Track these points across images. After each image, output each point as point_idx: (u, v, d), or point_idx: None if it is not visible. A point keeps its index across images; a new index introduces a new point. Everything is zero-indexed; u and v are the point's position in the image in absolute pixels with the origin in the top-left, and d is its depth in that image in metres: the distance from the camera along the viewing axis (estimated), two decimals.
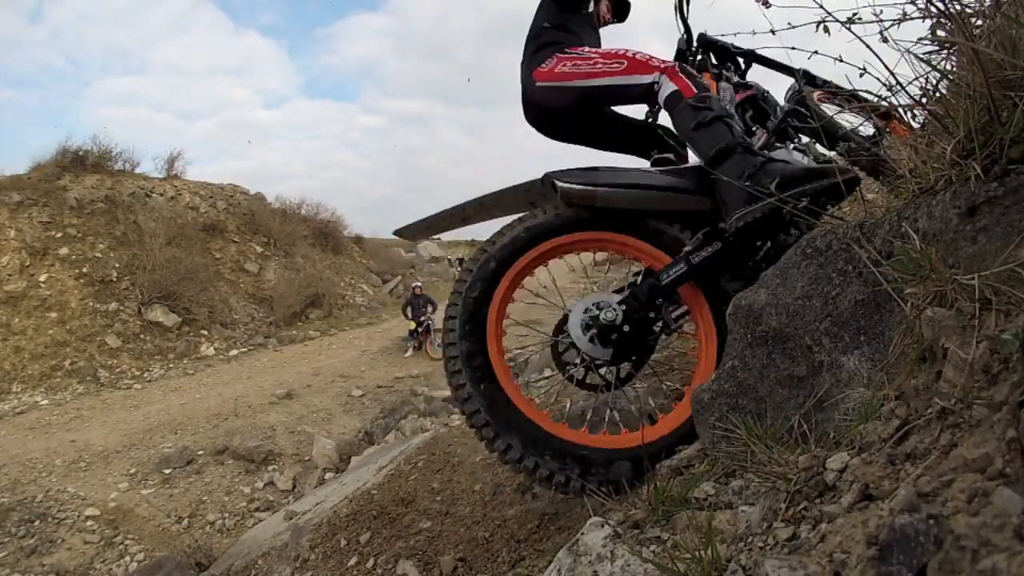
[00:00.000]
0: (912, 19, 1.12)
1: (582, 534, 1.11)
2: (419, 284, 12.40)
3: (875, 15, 1.12)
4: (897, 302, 1.04)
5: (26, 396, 8.42)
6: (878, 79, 1.15)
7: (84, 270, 10.76)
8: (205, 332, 11.15)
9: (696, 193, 1.71)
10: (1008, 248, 0.84)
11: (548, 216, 1.77)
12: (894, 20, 1.12)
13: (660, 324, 1.75)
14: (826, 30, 1.18)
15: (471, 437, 3.85)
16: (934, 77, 1.13)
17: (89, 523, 5.16)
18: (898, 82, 1.14)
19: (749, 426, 1.22)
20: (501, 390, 1.67)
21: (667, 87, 1.81)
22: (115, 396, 8.58)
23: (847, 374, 1.16)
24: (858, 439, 0.90)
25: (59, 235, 11.04)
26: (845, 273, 1.19)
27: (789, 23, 1.20)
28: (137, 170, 13.77)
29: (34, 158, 12.64)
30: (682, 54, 2.29)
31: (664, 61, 1.91)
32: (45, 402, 8.28)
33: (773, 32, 1.24)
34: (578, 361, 1.76)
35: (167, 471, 6.05)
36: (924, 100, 1.14)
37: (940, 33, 1.12)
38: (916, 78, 1.15)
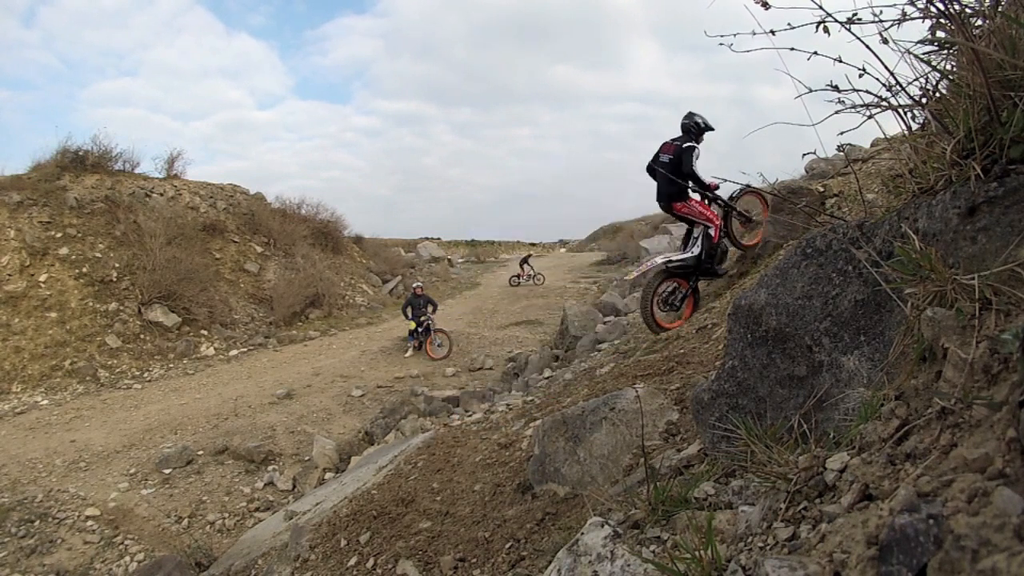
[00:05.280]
0: (912, 19, 1.12)
1: (582, 534, 1.11)
2: (419, 284, 12.38)
3: (875, 15, 1.12)
4: (897, 302, 1.04)
5: (26, 396, 8.42)
6: (878, 79, 1.15)
7: (84, 270, 10.76)
8: (205, 332, 11.15)
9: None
10: (1008, 248, 0.84)
11: None
12: (894, 20, 1.12)
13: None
14: (826, 30, 1.18)
15: (471, 437, 3.85)
16: (934, 77, 1.13)
17: (89, 523, 5.17)
18: (898, 82, 1.14)
19: (749, 426, 1.22)
20: None
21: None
22: (115, 396, 8.58)
23: (847, 374, 1.16)
24: (858, 439, 0.89)
25: (59, 235, 11.03)
26: (845, 273, 1.19)
27: (789, 24, 1.20)
28: (137, 170, 13.76)
29: (34, 158, 12.64)
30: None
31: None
32: (45, 402, 8.27)
33: (773, 32, 1.23)
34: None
35: (167, 471, 6.05)
36: (924, 100, 1.14)
37: (940, 33, 1.12)
38: (916, 78, 1.14)
